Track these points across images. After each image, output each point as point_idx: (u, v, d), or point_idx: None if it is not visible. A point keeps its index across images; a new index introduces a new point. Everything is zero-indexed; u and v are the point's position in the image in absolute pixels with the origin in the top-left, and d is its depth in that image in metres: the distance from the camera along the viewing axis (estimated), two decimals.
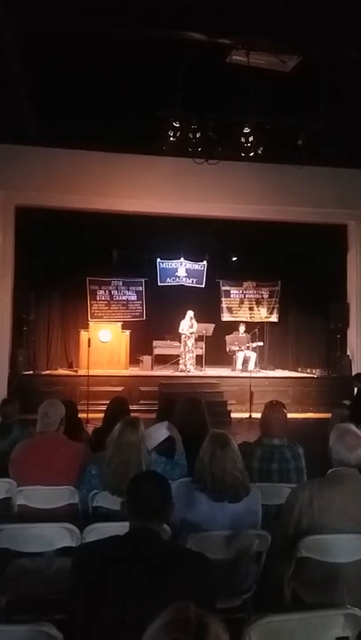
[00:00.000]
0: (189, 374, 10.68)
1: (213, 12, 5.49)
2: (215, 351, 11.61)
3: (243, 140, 7.66)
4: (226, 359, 11.62)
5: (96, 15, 5.52)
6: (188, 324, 10.97)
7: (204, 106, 7.50)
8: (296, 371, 12.00)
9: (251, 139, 7.63)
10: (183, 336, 11.00)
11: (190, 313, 11.01)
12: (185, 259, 12.37)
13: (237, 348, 11.26)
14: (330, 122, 7.46)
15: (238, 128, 7.65)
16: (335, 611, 1.74)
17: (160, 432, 3.39)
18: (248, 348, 11.22)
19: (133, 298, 12.33)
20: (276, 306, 12.71)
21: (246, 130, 7.59)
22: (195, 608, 1.05)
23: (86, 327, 11.17)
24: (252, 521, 2.50)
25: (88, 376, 8.86)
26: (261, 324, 12.28)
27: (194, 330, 11.01)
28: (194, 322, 11.01)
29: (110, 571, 1.63)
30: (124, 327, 11.55)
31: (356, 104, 7.38)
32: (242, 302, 12.85)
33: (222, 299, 12.74)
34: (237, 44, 6.22)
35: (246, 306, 12.82)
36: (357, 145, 8.48)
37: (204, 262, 12.39)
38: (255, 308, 12.79)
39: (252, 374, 10.19)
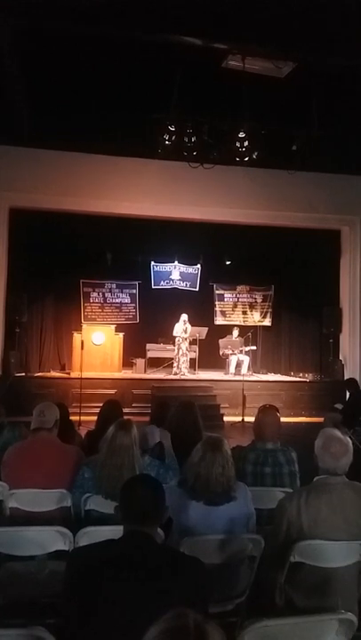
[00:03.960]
0: (182, 377, 10.67)
1: (210, 17, 5.51)
2: (208, 354, 11.60)
3: (238, 144, 7.71)
4: (219, 363, 11.61)
5: (93, 18, 5.53)
6: (182, 328, 10.94)
7: (200, 110, 7.54)
8: (289, 375, 12.02)
9: (246, 144, 7.69)
10: (177, 339, 10.98)
11: (184, 316, 10.98)
12: (179, 262, 12.35)
13: (231, 352, 11.27)
14: (324, 128, 7.52)
15: (233, 133, 7.70)
16: (330, 615, 1.73)
17: (154, 434, 3.39)
18: (241, 351, 11.22)
19: (127, 300, 12.30)
20: (270, 310, 12.71)
21: (241, 135, 7.64)
22: (193, 615, 1.04)
23: (79, 329, 11.11)
24: (244, 521, 2.50)
25: (81, 378, 8.81)
26: (255, 327, 12.29)
27: (187, 333, 11.00)
28: (188, 325, 10.98)
29: (104, 574, 1.62)
30: (118, 330, 11.50)
31: (350, 110, 7.45)
32: (235, 306, 12.85)
33: (216, 302, 12.73)
34: (233, 50, 6.27)
35: (240, 310, 12.82)
36: (351, 151, 8.55)
37: (198, 266, 12.39)
38: (248, 312, 12.79)
39: (245, 378, 10.19)
